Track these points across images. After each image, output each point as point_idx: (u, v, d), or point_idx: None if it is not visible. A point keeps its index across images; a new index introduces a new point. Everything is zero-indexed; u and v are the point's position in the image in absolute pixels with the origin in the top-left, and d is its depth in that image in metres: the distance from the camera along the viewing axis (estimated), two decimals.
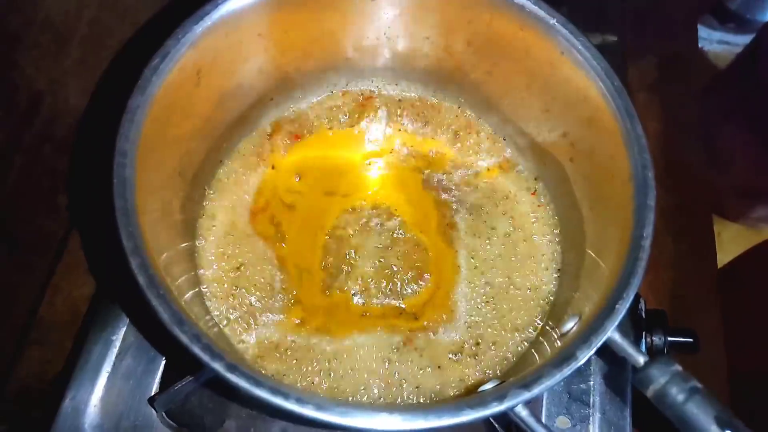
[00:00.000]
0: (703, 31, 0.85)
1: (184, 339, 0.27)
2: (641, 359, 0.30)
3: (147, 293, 0.28)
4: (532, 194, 0.45)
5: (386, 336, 0.40)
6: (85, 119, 0.52)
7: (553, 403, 0.41)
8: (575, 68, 0.36)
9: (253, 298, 0.40)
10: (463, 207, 0.45)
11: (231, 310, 0.40)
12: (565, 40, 0.36)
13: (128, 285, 0.28)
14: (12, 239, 0.48)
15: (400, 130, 0.48)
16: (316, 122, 0.47)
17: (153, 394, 0.40)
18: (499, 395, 0.28)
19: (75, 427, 0.39)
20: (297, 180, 0.45)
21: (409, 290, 0.42)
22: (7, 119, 0.45)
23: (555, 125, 0.41)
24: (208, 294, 0.40)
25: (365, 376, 0.39)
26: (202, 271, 0.40)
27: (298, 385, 0.38)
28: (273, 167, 0.45)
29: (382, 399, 0.38)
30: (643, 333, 0.42)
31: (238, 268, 0.41)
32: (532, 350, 0.39)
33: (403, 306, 0.42)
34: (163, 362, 0.41)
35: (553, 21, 0.36)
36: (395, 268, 0.43)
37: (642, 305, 0.43)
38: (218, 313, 0.40)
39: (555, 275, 0.42)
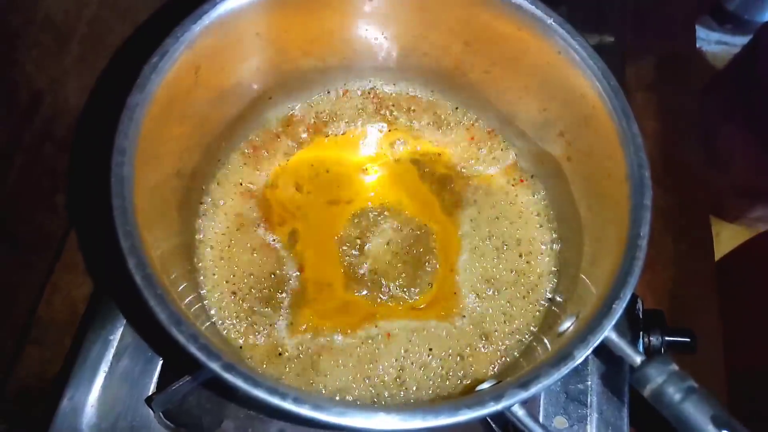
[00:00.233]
0: (701, 32, 0.86)
1: (182, 339, 0.27)
2: (638, 359, 0.30)
3: (144, 293, 0.28)
4: (530, 193, 0.45)
5: (391, 330, 0.40)
6: (84, 118, 0.52)
7: (551, 403, 0.41)
8: (572, 68, 0.36)
9: (252, 299, 0.40)
10: (461, 206, 0.45)
11: (230, 310, 0.40)
12: (563, 40, 0.36)
13: (126, 284, 0.28)
14: (12, 238, 0.48)
15: (398, 129, 0.48)
16: (315, 122, 0.47)
17: (150, 394, 0.40)
18: (496, 395, 0.28)
19: (73, 427, 0.39)
20: (297, 183, 0.45)
21: (418, 287, 0.42)
22: (8, 118, 0.45)
23: (552, 124, 0.41)
24: (206, 294, 0.40)
25: (372, 371, 0.39)
26: (200, 271, 0.40)
27: (302, 383, 0.38)
28: (271, 168, 0.45)
29: (387, 394, 0.38)
30: (641, 333, 0.42)
31: (237, 268, 0.41)
32: (530, 350, 0.39)
33: (414, 299, 0.42)
34: (161, 362, 0.41)
35: (550, 21, 0.36)
36: (404, 265, 0.43)
37: (639, 305, 0.44)
38: (217, 312, 0.40)
39: (552, 274, 0.42)
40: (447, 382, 0.39)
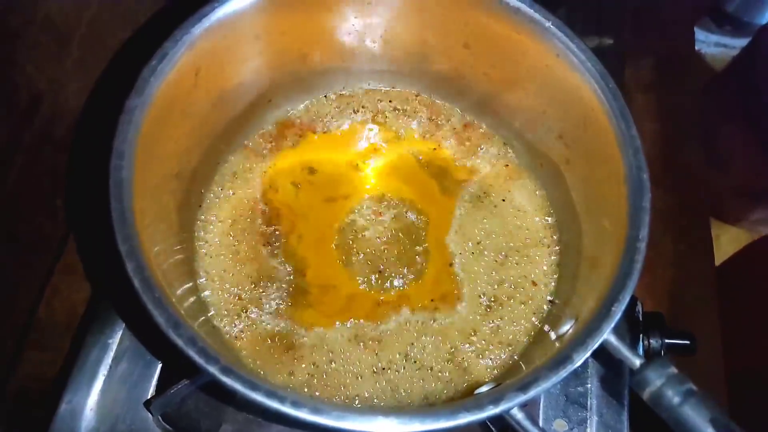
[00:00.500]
0: (700, 34, 0.86)
1: (180, 342, 0.27)
2: (637, 362, 0.30)
3: (142, 296, 0.28)
4: (529, 195, 0.45)
5: (391, 328, 0.40)
6: (84, 119, 0.52)
7: (551, 406, 0.41)
8: (571, 71, 0.36)
9: (252, 300, 0.40)
10: (459, 207, 0.45)
11: (230, 313, 0.40)
12: (561, 42, 0.36)
13: (124, 288, 0.28)
14: (12, 240, 0.48)
15: (397, 131, 0.48)
16: (314, 124, 0.47)
17: (149, 397, 0.40)
18: (495, 398, 0.28)
19: (72, 430, 0.39)
20: (296, 184, 0.45)
21: (410, 284, 0.42)
22: (7, 119, 0.45)
23: (551, 127, 0.41)
24: (205, 297, 0.40)
25: (384, 368, 0.39)
26: (199, 273, 0.40)
27: (301, 381, 0.38)
28: (270, 169, 0.45)
29: (387, 396, 0.38)
30: (640, 335, 0.42)
31: (237, 270, 0.41)
32: (529, 352, 0.39)
33: (412, 297, 0.42)
34: (160, 366, 0.41)
35: (548, 24, 0.36)
36: (400, 262, 0.43)
37: (639, 307, 0.44)
38: (216, 315, 0.40)
39: (551, 277, 0.42)
40: (445, 385, 0.39)
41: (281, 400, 0.26)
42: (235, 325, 0.39)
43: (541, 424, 0.41)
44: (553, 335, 0.36)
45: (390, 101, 0.48)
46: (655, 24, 0.66)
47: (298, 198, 0.45)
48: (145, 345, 0.41)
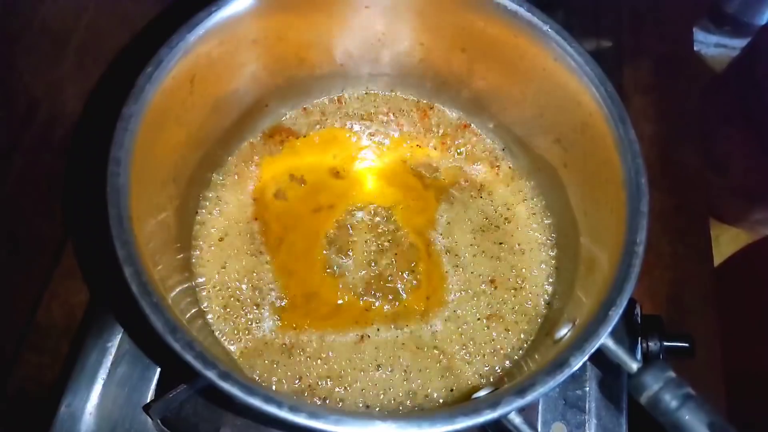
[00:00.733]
0: (700, 35, 0.85)
1: (177, 347, 0.27)
2: (634, 366, 0.30)
3: (140, 301, 0.28)
4: (526, 199, 0.45)
5: (383, 334, 0.40)
6: (82, 124, 0.52)
7: (549, 410, 0.41)
8: (568, 74, 0.36)
9: (248, 306, 0.40)
10: (456, 211, 0.45)
11: (227, 318, 0.40)
12: (559, 46, 0.36)
13: (122, 293, 0.28)
14: (10, 243, 0.48)
15: (394, 135, 0.48)
16: (310, 129, 0.47)
17: (148, 401, 0.40)
18: (492, 402, 0.28)
19: None
20: (292, 188, 0.45)
21: (405, 287, 0.42)
22: (6, 123, 0.45)
23: (549, 130, 0.41)
24: (203, 301, 0.40)
25: (376, 374, 0.39)
26: (197, 279, 0.40)
27: (297, 386, 0.38)
28: (267, 174, 0.45)
29: (380, 401, 0.38)
30: (639, 338, 0.42)
31: (234, 276, 0.41)
32: (526, 357, 0.39)
33: (404, 302, 0.42)
34: (159, 369, 0.41)
35: (546, 27, 0.36)
36: (392, 267, 0.43)
37: (638, 310, 0.43)
38: (213, 320, 0.40)
39: (549, 281, 0.42)
40: (443, 389, 0.39)
41: (279, 405, 0.26)
42: (233, 331, 0.39)
43: (539, 427, 0.41)
44: (550, 339, 0.36)
45: (387, 105, 0.48)
46: (653, 25, 0.66)
47: (294, 202, 0.45)
48: (144, 350, 0.41)
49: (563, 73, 0.37)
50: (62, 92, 0.50)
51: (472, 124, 0.47)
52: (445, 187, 0.46)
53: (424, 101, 0.48)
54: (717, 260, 0.60)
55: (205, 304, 0.40)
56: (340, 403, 0.38)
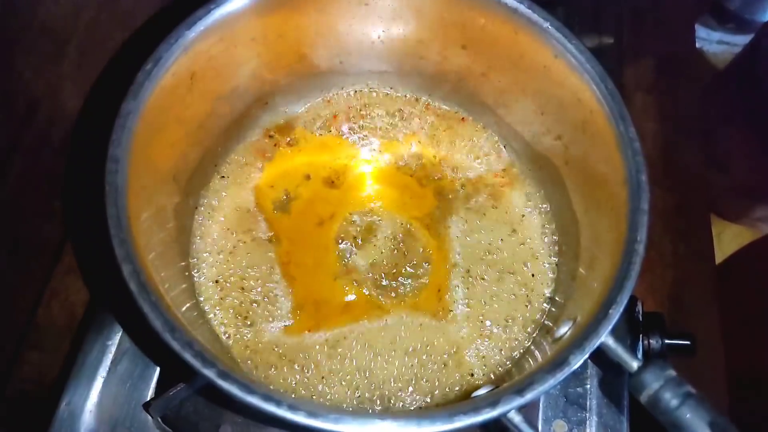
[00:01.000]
0: (702, 32, 0.85)
1: (176, 346, 0.27)
2: (635, 364, 0.30)
3: (139, 300, 0.28)
4: (526, 197, 0.45)
5: (382, 333, 0.40)
6: (82, 123, 0.52)
7: (550, 407, 0.41)
8: (569, 71, 0.36)
9: (250, 303, 0.40)
10: (458, 209, 0.45)
11: (226, 316, 0.40)
12: (559, 43, 0.36)
13: (121, 292, 0.28)
14: (11, 242, 0.48)
15: (394, 132, 0.47)
16: (311, 126, 0.47)
17: (148, 399, 0.40)
18: (492, 401, 0.28)
19: None
20: (293, 187, 0.45)
21: (408, 287, 0.42)
22: (6, 123, 0.45)
23: (549, 128, 0.41)
24: (202, 301, 0.40)
25: (378, 370, 0.39)
26: (197, 278, 0.40)
27: (299, 386, 0.38)
28: (267, 172, 0.45)
29: (381, 399, 0.38)
30: (640, 336, 0.42)
31: (233, 275, 0.41)
32: (526, 355, 0.39)
33: (407, 302, 0.42)
34: (159, 368, 0.41)
35: (546, 25, 0.36)
36: (396, 266, 0.43)
37: (639, 307, 0.43)
38: (214, 319, 0.40)
39: (550, 279, 0.42)
40: (442, 388, 0.39)
41: (278, 403, 0.26)
42: (233, 330, 0.39)
43: (540, 425, 0.40)
44: (550, 337, 0.36)
45: (387, 103, 0.48)
46: (654, 24, 0.66)
47: (294, 201, 0.45)
48: (143, 349, 0.41)
49: (564, 71, 0.36)
50: (62, 91, 0.50)
51: (472, 121, 0.47)
52: (444, 184, 0.46)
53: (424, 98, 0.47)
54: (719, 257, 0.59)
55: (205, 304, 0.40)
56: (343, 403, 0.38)
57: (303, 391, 0.38)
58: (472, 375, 0.39)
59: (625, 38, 0.63)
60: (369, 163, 0.47)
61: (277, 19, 0.39)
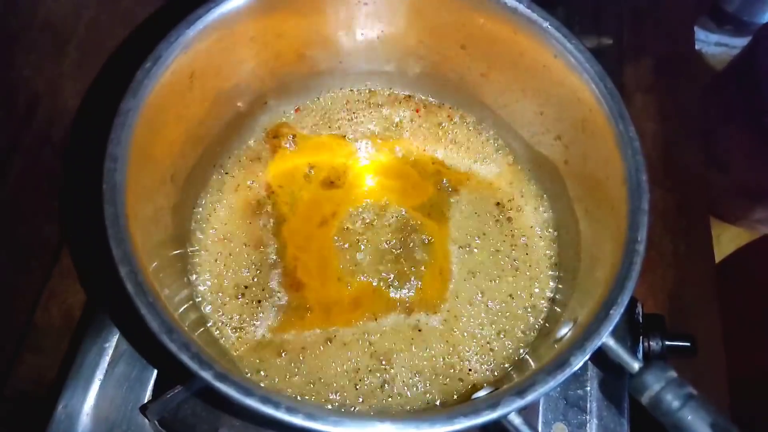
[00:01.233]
0: (700, 33, 0.85)
1: (173, 348, 0.27)
2: (636, 365, 0.29)
3: (136, 301, 0.27)
4: (526, 197, 0.45)
5: (382, 330, 0.40)
6: (82, 121, 0.52)
7: (550, 410, 0.41)
8: (568, 71, 0.36)
9: (249, 304, 0.40)
10: (458, 209, 0.45)
11: (225, 317, 0.40)
12: (559, 43, 0.36)
13: (119, 294, 0.28)
14: (10, 243, 0.48)
15: (393, 132, 0.47)
16: (310, 126, 0.47)
17: (146, 402, 0.40)
18: (492, 403, 0.28)
19: None
20: (293, 186, 0.45)
21: (408, 285, 0.42)
22: (6, 121, 0.44)
23: (549, 127, 0.41)
24: (201, 302, 0.40)
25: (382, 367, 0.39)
26: (195, 279, 0.40)
27: (297, 387, 0.38)
28: (267, 172, 0.45)
29: (380, 400, 0.38)
30: (641, 338, 0.42)
31: (231, 275, 0.41)
32: (527, 356, 0.39)
33: (407, 301, 0.41)
34: (156, 370, 0.41)
35: (546, 24, 0.36)
36: (397, 268, 0.42)
37: (639, 309, 0.43)
38: (212, 321, 0.39)
39: (550, 279, 0.42)
40: (442, 390, 0.39)
41: (276, 405, 0.26)
42: (231, 332, 0.39)
43: (540, 427, 0.40)
44: (551, 338, 0.36)
45: (386, 103, 0.48)
46: (654, 24, 0.66)
47: (295, 199, 0.45)
48: (140, 351, 0.41)
49: (563, 70, 0.36)
50: (63, 90, 0.49)
51: (472, 121, 0.47)
52: (444, 186, 0.46)
53: (424, 98, 0.47)
54: (718, 259, 0.59)
55: (203, 305, 0.40)
56: (343, 405, 0.38)
57: (301, 393, 0.38)
58: (472, 377, 0.39)
59: (625, 38, 0.63)
60: (369, 163, 0.47)
61: (277, 18, 0.39)
